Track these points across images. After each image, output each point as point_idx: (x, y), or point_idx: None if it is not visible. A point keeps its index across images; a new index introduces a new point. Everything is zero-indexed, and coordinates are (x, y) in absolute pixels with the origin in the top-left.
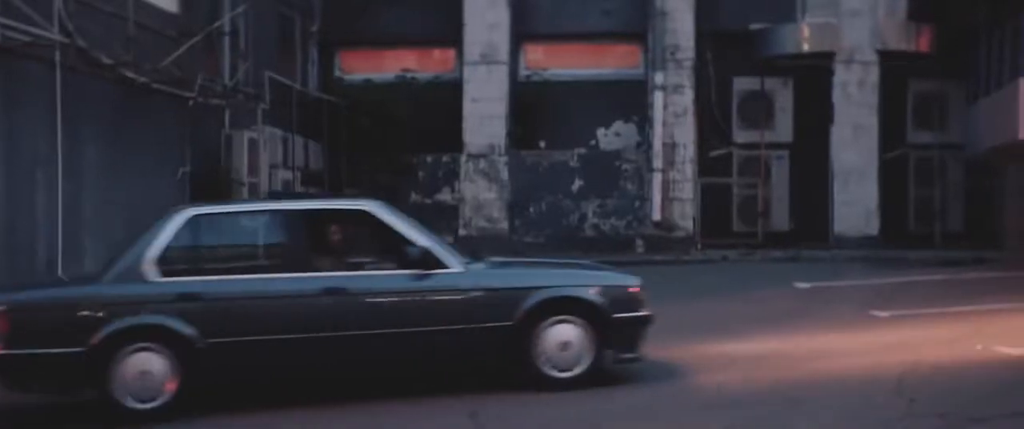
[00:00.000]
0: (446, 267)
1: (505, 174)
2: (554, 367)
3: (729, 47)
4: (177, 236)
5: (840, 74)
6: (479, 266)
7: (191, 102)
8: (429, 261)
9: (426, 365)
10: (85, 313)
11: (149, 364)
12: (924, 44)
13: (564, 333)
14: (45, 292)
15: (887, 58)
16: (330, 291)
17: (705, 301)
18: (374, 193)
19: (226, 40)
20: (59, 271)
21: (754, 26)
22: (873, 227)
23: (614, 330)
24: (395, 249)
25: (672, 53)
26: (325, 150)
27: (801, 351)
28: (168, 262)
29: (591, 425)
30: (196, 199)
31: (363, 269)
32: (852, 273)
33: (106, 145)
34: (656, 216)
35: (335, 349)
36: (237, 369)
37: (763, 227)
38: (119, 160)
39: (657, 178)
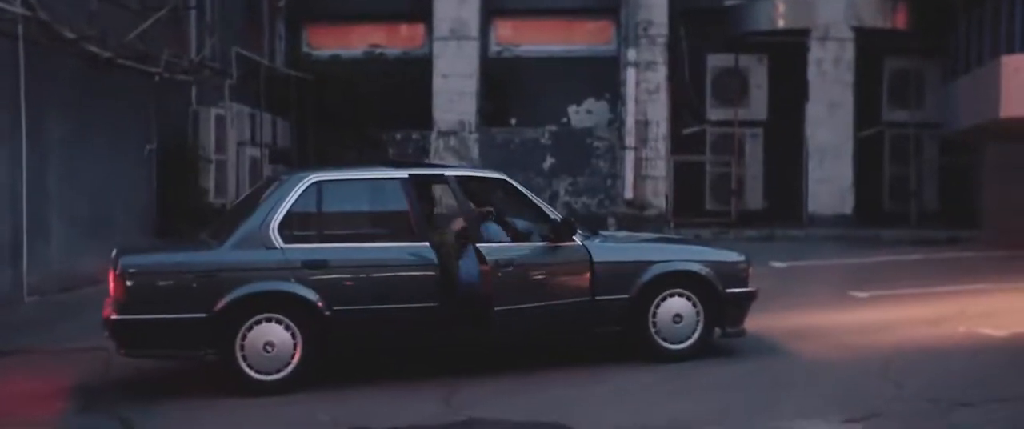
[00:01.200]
0: (573, 241)
1: (475, 151)
2: (666, 339)
3: (703, 23)
4: (299, 202)
5: (815, 51)
6: (595, 240)
7: (157, 78)
8: (565, 232)
9: (551, 336)
10: (208, 278)
11: (273, 334)
12: (900, 20)
13: (676, 306)
14: (164, 256)
15: (863, 35)
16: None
17: None
18: None
19: (192, 14)
20: (24, 250)
21: (729, 2)
22: (848, 206)
23: (724, 304)
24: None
25: (645, 29)
26: (293, 127)
27: (782, 332)
28: (290, 228)
29: (559, 406)
30: (163, 177)
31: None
32: (828, 252)
33: (71, 122)
34: (628, 194)
35: (465, 319)
36: (361, 339)
37: (736, 206)
38: (84, 137)
39: (629, 156)
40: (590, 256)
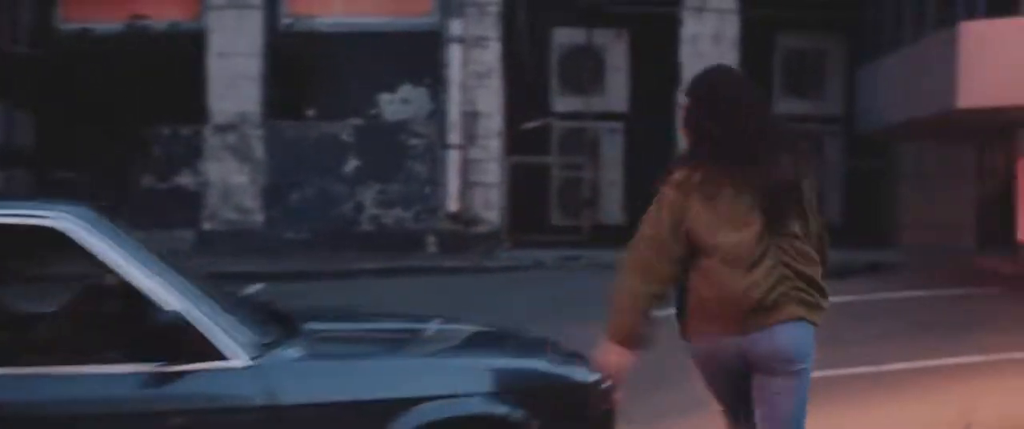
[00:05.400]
0: (220, 355)
1: (260, 151)
2: None
3: None
4: None
5: (690, 25)
6: (287, 353)
7: None
8: (183, 343)
9: None
10: None
11: None
12: None
13: None
14: None
15: (750, 6)
16: None
17: None
18: (97, 177)
19: None
20: None
21: None
22: None
23: None
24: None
25: None
26: (35, 121)
27: None
28: None
29: None
30: None
31: (52, 359)
32: None
33: None
34: (452, 206)
35: None
36: None
37: (590, 219)
38: None
39: (454, 157)
40: (262, 393)
